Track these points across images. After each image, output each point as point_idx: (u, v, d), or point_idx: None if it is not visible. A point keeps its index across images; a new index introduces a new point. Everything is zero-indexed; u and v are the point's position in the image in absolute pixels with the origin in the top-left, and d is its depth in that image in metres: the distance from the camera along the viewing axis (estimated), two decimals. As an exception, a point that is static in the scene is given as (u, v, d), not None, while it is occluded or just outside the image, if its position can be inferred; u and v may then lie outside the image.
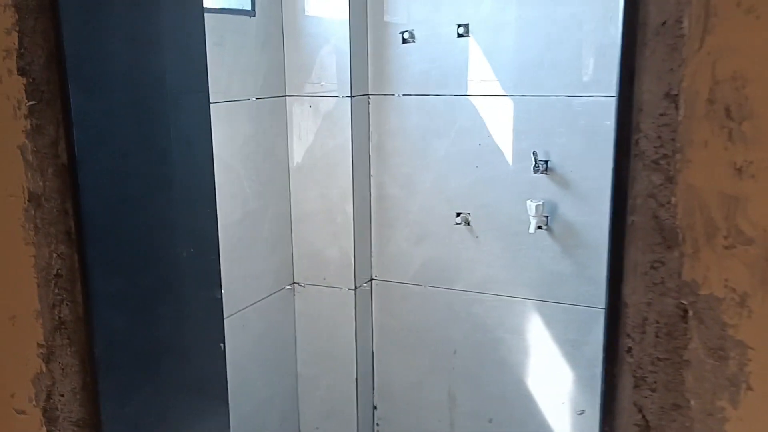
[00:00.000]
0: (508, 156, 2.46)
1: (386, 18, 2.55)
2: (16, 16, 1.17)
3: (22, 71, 1.19)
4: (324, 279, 2.70)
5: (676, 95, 0.78)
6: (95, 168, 1.18)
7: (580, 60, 2.29)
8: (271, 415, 2.71)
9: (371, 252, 2.75)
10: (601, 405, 0.90)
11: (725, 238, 0.78)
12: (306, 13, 2.54)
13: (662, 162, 0.81)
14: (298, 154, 2.64)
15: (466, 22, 2.42)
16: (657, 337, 0.84)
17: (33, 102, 1.19)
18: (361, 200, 2.64)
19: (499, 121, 2.45)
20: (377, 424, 2.91)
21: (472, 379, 2.69)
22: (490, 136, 2.48)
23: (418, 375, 2.79)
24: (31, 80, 1.18)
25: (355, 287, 2.68)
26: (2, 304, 1.31)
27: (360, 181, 2.62)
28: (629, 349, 0.86)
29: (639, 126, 0.82)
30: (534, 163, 2.40)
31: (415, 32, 2.51)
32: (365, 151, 2.65)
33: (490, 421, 2.69)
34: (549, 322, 2.52)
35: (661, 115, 0.80)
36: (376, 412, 2.90)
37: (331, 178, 2.60)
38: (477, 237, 2.57)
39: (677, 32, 0.77)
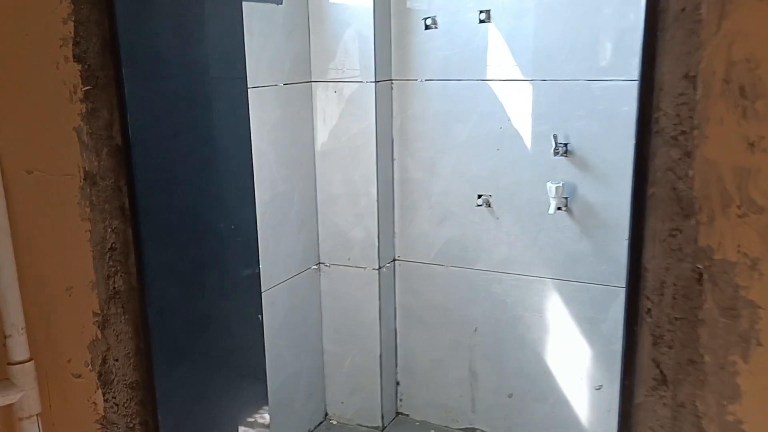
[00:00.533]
0: (528, 139, 2.53)
1: (409, 4, 2.62)
2: (72, 7, 1.25)
3: (77, 58, 1.27)
4: (349, 259, 2.79)
5: (694, 76, 0.86)
6: (147, 148, 1.27)
7: (599, 45, 2.35)
8: (299, 389, 2.81)
9: (394, 233, 2.84)
10: (622, 361, 0.98)
11: (738, 207, 0.86)
12: (331, 1, 2.61)
13: (680, 138, 0.88)
14: (323, 138, 2.72)
15: (487, 8, 2.48)
16: (674, 298, 0.92)
17: (88, 87, 1.28)
18: (384, 183, 2.72)
19: (520, 105, 2.51)
20: (400, 399, 3.01)
21: (493, 356, 2.78)
22: (510, 119, 2.54)
23: (439, 352, 2.88)
24: (86, 66, 1.27)
25: (379, 267, 2.77)
26: (59, 276, 1.40)
27: (383, 165, 2.70)
28: (648, 310, 0.94)
29: (659, 105, 0.89)
30: (554, 145, 2.46)
31: (437, 18, 2.57)
32: (388, 135, 2.73)
33: (510, 396, 2.78)
34: (567, 301, 2.59)
35: (680, 94, 0.87)
36: (399, 388, 3.00)
37: (355, 161, 2.68)
38: (498, 218, 2.65)
39: (696, 18, 0.84)
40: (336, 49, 2.63)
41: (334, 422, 3.00)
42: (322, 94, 2.69)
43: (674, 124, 0.88)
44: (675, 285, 0.91)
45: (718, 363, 0.91)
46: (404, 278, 2.87)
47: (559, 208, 2.50)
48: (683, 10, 0.85)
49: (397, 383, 3.00)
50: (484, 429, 2.87)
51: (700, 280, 0.90)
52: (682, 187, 0.89)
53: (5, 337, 1.40)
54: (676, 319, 0.92)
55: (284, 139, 2.56)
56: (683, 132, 0.88)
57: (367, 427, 2.95)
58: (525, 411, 2.77)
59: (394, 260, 2.86)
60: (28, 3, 1.30)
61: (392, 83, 2.70)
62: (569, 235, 2.54)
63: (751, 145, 0.84)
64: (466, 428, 2.91)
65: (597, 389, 2.61)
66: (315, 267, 2.84)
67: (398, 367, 2.98)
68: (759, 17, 0.81)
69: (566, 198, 2.50)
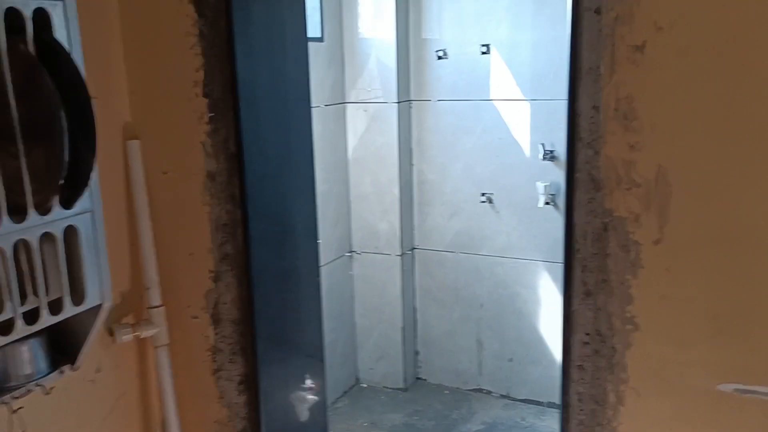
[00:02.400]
0: (522, 147, 3.12)
1: (423, 35, 3.21)
2: (203, 60, 1.85)
3: (205, 95, 1.87)
4: (376, 247, 3.38)
5: (598, 107, 1.44)
6: (252, 154, 1.86)
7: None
8: (335, 357, 3.39)
9: (413, 225, 3.42)
10: (563, 283, 1.56)
11: (626, 184, 1.44)
12: (360, 36, 3.22)
13: (592, 143, 1.47)
14: (355, 148, 3.32)
15: (488, 43, 3.08)
16: (592, 241, 1.50)
17: (212, 114, 1.88)
18: (405, 184, 3.32)
19: (515, 120, 3.10)
20: (419, 366, 3.58)
21: (496, 327, 3.35)
22: (508, 132, 3.13)
23: (451, 325, 3.45)
24: (211, 100, 1.87)
25: (401, 254, 3.35)
26: (184, 245, 1.98)
27: (404, 169, 3.30)
28: (578, 250, 1.52)
29: (580, 123, 1.48)
30: (542, 152, 3.05)
31: (447, 51, 3.17)
32: (408, 145, 3.32)
33: (510, 360, 3.35)
34: (556, 279, 3.16)
35: (591, 117, 1.46)
36: (418, 357, 3.57)
37: (381, 167, 3.28)
38: (498, 212, 3.23)
39: (597, 73, 1.43)
40: (365, 75, 3.23)
41: (365, 385, 3.58)
42: (353, 113, 3.30)
43: (588, 135, 1.47)
44: (592, 233, 1.50)
45: (618, 280, 1.49)
46: (422, 263, 3.45)
47: (547, 203, 3.08)
48: (590, 68, 1.44)
49: (416, 352, 3.57)
50: (489, 389, 3.44)
51: (606, 229, 1.48)
52: (594, 173, 1.47)
53: (146, 289, 1.98)
54: (594, 254, 1.51)
55: (324, 149, 3.15)
56: (594, 139, 1.47)
57: (391, 389, 3.52)
58: (523, 372, 3.34)
59: (413, 248, 3.45)
60: (170, 57, 1.89)
61: (411, 103, 3.30)
62: (556, 224, 3.11)
63: (631, 147, 1.43)
64: (474, 389, 3.47)
65: (581, 352, 3.17)
66: (348, 254, 3.44)
67: (417, 339, 3.56)
68: (632, 74, 1.40)
69: (553, 195, 3.08)
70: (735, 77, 1.31)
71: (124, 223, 1.94)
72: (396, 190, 3.26)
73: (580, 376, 1.57)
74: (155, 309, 1.96)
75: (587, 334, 1.54)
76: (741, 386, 1.39)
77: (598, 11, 1.40)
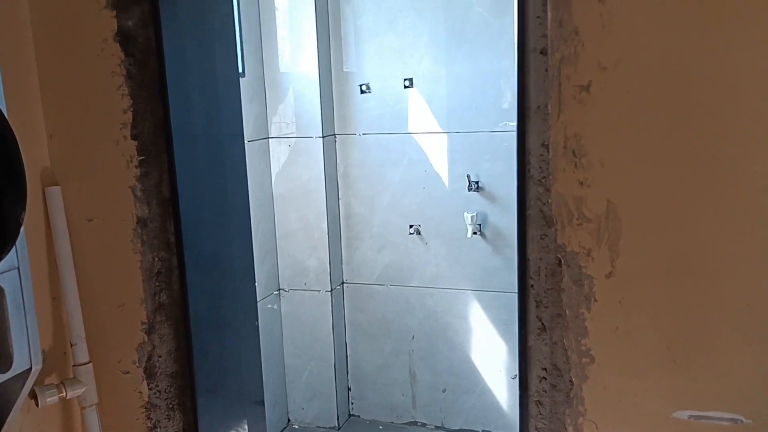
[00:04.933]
0: (448, 179, 3.15)
1: (345, 69, 3.20)
2: (131, 101, 1.76)
3: (134, 137, 1.78)
4: (305, 284, 3.31)
5: (547, 145, 1.47)
6: (187, 198, 1.78)
7: (499, 104, 3.01)
8: (266, 398, 3.27)
9: (342, 260, 3.38)
10: (519, 319, 1.56)
11: (577, 219, 1.47)
12: (281, 71, 3.18)
13: (543, 180, 1.49)
14: (280, 183, 3.25)
15: (410, 77, 3.11)
16: (546, 276, 1.51)
17: (142, 157, 1.78)
18: (332, 218, 3.27)
19: (440, 152, 3.14)
20: (352, 402, 3.52)
21: (428, 358, 3.34)
22: (433, 164, 3.16)
23: (383, 358, 3.42)
24: (141, 143, 1.77)
25: (331, 289, 3.30)
26: (113, 297, 1.87)
27: (331, 203, 3.26)
28: (532, 285, 1.53)
29: (530, 161, 1.50)
30: (468, 183, 3.09)
31: (371, 85, 3.18)
32: (334, 179, 3.29)
33: (444, 391, 3.35)
34: (486, 307, 3.20)
35: (540, 155, 1.48)
36: (350, 392, 3.51)
37: (308, 202, 3.23)
38: (426, 243, 3.24)
39: (545, 112, 1.46)
40: (288, 110, 3.18)
41: (296, 426, 3.48)
42: (277, 148, 3.23)
43: (539, 173, 1.49)
44: (546, 269, 1.51)
45: (573, 314, 1.50)
46: (352, 298, 3.41)
47: (474, 233, 3.12)
48: (538, 107, 1.47)
49: (349, 388, 3.51)
50: (424, 421, 3.42)
51: (560, 264, 1.50)
52: (545, 209, 1.49)
53: (71, 345, 1.85)
54: (548, 289, 1.52)
55: (249, 185, 3.06)
56: (544, 176, 1.49)
57: (324, 428, 3.43)
58: (456, 402, 3.34)
59: (343, 283, 3.40)
60: (95, 98, 1.79)
61: (336, 137, 3.27)
62: (484, 254, 3.16)
63: (581, 183, 1.46)
64: (409, 422, 3.44)
65: (513, 378, 3.21)
66: (276, 292, 3.34)
67: (349, 375, 3.50)
68: (579, 112, 1.43)
69: (480, 225, 3.13)
70: (678, 114, 1.36)
71: (45, 275, 1.82)
72: (324, 225, 3.22)
73: (539, 412, 1.57)
74: (82, 366, 1.84)
75: (544, 369, 1.55)
76: (695, 413, 1.43)
77: (543, 52, 1.43)
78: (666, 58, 1.35)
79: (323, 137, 3.16)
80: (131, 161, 1.79)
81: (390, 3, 3.07)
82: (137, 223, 1.81)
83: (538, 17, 1.43)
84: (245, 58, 3.01)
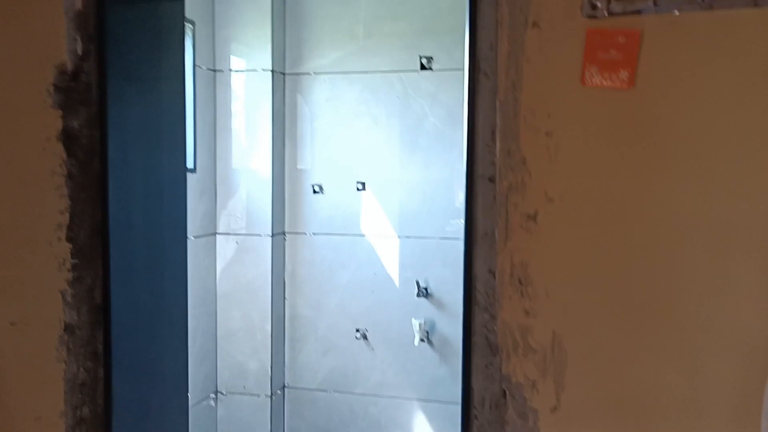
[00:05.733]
0: (397, 283, 3.12)
1: (299, 166, 3.19)
2: (69, 202, 1.70)
3: (69, 239, 1.70)
4: (244, 387, 3.17)
5: (494, 271, 1.45)
6: (121, 305, 1.69)
7: (447, 212, 3.03)
8: None
9: (284, 363, 3.26)
10: (461, 450, 1.49)
11: (522, 349, 1.43)
12: (234, 167, 3.16)
13: (489, 307, 1.46)
14: (225, 281, 3.17)
15: (363, 181, 3.13)
16: (490, 408, 1.46)
17: (76, 260, 1.70)
18: (277, 319, 3.18)
19: (389, 256, 3.12)
20: None
21: (370, 471, 3.19)
22: (383, 267, 3.13)
23: (323, 470, 3.25)
24: (76, 246, 1.70)
25: (271, 394, 3.16)
26: (30, 407, 1.74)
27: (277, 304, 3.17)
28: (476, 416, 1.48)
29: (476, 286, 1.48)
30: (417, 289, 3.06)
31: (323, 186, 3.18)
32: (281, 278, 3.22)
33: (385, 506, 3.18)
34: (431, 418, 3.10)
35: (487, 281, 1.46)
36: (286, 506, 3.31)
37: (252, 301, 3.14)
38: (373, 349, 3.17)
39: (492, 239, 1.45)
40: (238, 207, 3.14)
41: None
42: (225, 244, 3.17)
43: (485, 299, 1.47)
44: (490, 399, 1.46)
45: (516, 447, 1.45)
46: (293, 404, 3.27)
47: (422, 340, 3.06)
48: (485, 233, 1.46)
49: (285, 501, 3.31)
50: None
51: (504, 395, 1.45)
52: (491, 337, 1.46)
53: (-23, 461, 1.69)
54: (492, 421, 1.47)
55: (192, 282, 2.95)
56: (490, 303, 1.46)
57: None
58: None
59: (284, 387, 3.27)
60: (30, 197, 1.71)
61: (285, 236, 3.23)
62: (431, 362, 3.09)
63: (527, 312, 1.43)
64: None
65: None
66: (213, 395, 3.19)
67: (286, 486, 3.31)
68: (526, 241, 1.43)
69: (427, 332, 3.08)
70: (621, 248, 1.37)
71: (-44, 384, 1.67)
72: (267, 326, 3.12)
73: None
74: (-13, 486, 1.67)
75: (487, 507, 1.47)
76: None
77: (492, 179, 1.44)
78: (610, 193, 1.37)
79: (272, 236, 3.12)
80: (63, 264, 1.70)
81: (347, 107, 3.12)
82: (64, 330, 1.71)
83: (487, 145, 1.44)
84: (197, 154, 2.99)
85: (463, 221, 1.51)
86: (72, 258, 1.70)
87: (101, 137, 1.66)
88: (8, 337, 1.75)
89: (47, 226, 1.71)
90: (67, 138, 1.67)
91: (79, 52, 1.63)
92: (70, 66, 1.64)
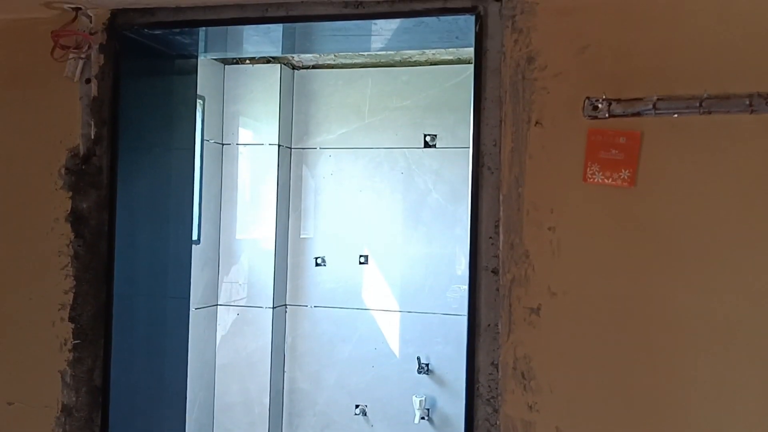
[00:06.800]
0: (398, 359, 3.09)
1: (302, 235, 3.21)
2: (74, 283, 1.71)
3: (72, 320, 1.70)
4: (240, 464, 3.10)
5: (497, 364, 1.45)
6: (120, 388, 1.68)
7: (450, 288, 3.03)
8: None
9: (282, 439, 3.20)
10: None
11: (526, 445, 1.42)
12: (237, 239, 3.17)
13: (491, 400, 1.45)
14: (224, 353, 3.14)
15: (366, 254, 3.14)
16: (492, 504, 1.43)
17: (78, 341, 1.70)
18: (275, 393, 3.14)
19: (391, 330, 3.10)
20: None
21: None
22: (384, 342, 3.11)
23: None
24: (78, 326, 1.70)
25: (267, 471, 3.09)
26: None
27: (276, 377, 3.14)
28: None
29: (479, 379, 1.47)
30: (418, 365, 3.03)
31: (326, 258, 3.19)
32: (281, 351, 3.19)
33: None
34: (431, 500, 3.02)
35: (489, 374, 1.45)
36: None
37: (251, 374, 3.10)
38: (372, 426, 3.11)
39: (495, 331, 1.45)
40: (240, 278, 3.14)
41: None
42: (225, 315, 3.15)
43: (487, 392, 1.46)
44: (492, 495, 1.44)
45: None
46: (289, 481, 3.19)
47: (422, 418, 3.01)
48: (488, 325, 1.46)
49: None
50: None
51: (506, 492, 1.43)
52: (494, 431, 1.44)
53: None
54: None
55: (191, 354, 2.93)
56: (493, 397, 1.45)
57: None
58: None
59: (281, 464, 3.20)
60: (35, 277, 1.73)
61: (287, 308, 3.22)
62: (431, 441, 3.04)
63: (530, 407, 1.42)
64: None
65: None
66: (208, 471, 3.12)
67: None
68: (529, 334, 1.43)
69: (428, 409, 3.03)
70: (625, 347, 1.37)
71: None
72: (266, 400, 3.08)
73: None
74: None
75: None
76: None
77: (495, 272, 1.45)
78: (613, 289, 1.37)
79: (273, 308, 3.11)
80: (65, 344, 1.70)
81: (351, 182, 3.16)
82: (61, 411, 1.70)
83: (490, 237, 1.46)
84: (202, 225, 3.01)
85: (464, 287, 1.52)
86: (74, 338, 1.70)
87: (109, 218, 1.68)
88: (5, 417, 1.73)
89: (51, 305, 1.71)
90: (76, 219, 1.70)
91: (92, 136, 1.67)
92: (82, 150, 1.68)
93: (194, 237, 2.95)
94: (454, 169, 3.02)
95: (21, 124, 1.71)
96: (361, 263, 3.15)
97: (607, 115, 1.36)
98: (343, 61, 3.10)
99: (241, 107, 3.14)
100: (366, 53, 2.98)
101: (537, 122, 1.41)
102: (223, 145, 3.16)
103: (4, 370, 1.74)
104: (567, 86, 1.39)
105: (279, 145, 3.11)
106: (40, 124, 1.70)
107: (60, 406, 1.70)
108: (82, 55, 1.62)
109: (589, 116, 1.37)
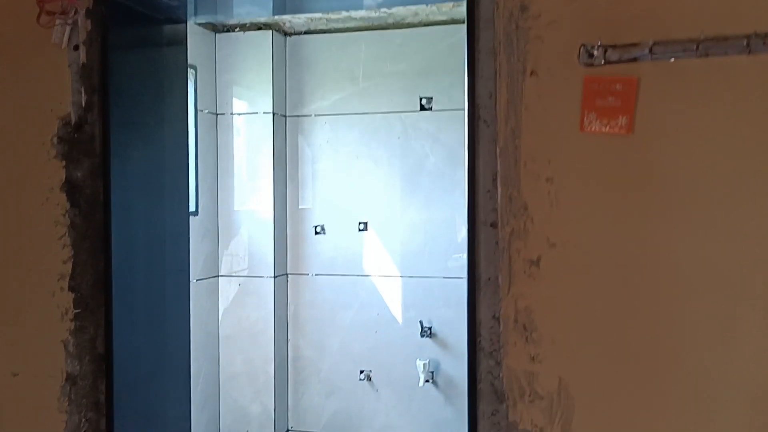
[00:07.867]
0: (401, 324, 3.10)
1: (301, 206, 3.20)
2: (72, 252, 1.70)
3: (72, 289, 1.70)
4: (247, 431, 3.13)
5: (498, 317, 1.44)
6: (124, 355, 1.68)
7: (451, 251, 3.03)
8: None
9: (288, 406, 3.23)
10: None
11: (529, 396, 1.42)
12: (236, 209, 3.16)
13: (494, 353, 1.45)
14: (227, 324, 3.15)
15: (365, 221, 3.13)
16: (497, 456, 1.44)
17: (78, 310, 1.70)
18: (280, 362, 3.15)
19: (392, 296, 3.11)
20: None
21: None
22: (386, 308, 3.12)
23: None
24: (79, 295, 1.70)
25: (274, 438, 3.12)
26: (31, 460, 1.72)
27: (279, 346, 3.15)
28: (483, 464, 1.46)
29: (480, 332, 1.47)
30: (420, 329, 3.05)
31: (325, 227, 3.18)
32: (284, 320, 3.20)
33: None
34: (437, 461, 3.06)
35: (491, 327, 1.45)
36: None
37: (255, 344, 3.11)
38: (377, 390, 3.13)
39: (495, 284, 1.45)
40: (240, 249, 3.14)
41: None
42: (227, 287, 3.16)
43: (489, 345, 1.46)
44: (497, 447, 1.45)
45: (526, 497, 1.43)
46: (296, 447, 3.23)
47: (427, 381, 3.04)
48: (489, 279, 1.46)
49: None
50: None
51: (511, 443, 1.44)
52: (497, 384, 1.45)
53: None
54: (499, 469, 1.45)
55: (194, 326, 2.93)
56: (495, 349, 1.45)
57: None
58: None
59: (288, 431, 3.23)
60: (34, 246, 1.72)
61: (288, 277, 3.22)
62: (436, 403, 3.06)
63: (532, 358, 1.42)
64: None
65: None
66: (215, 440, 3.15)
67: None
68: (530, 287, 1.42)
69: (432, 372, 3.05)
70: (624, 294, 1.36)
71: (-44, 438, 1.66)
72: (270, 369, 3.09)
73: None
74: None
75: None
76: None
77: (494, 225, 1.44)
78: (612, 239, 1.37)
79: (275, 277, 3.11)
80: (66, 314, 1.70)
81: (348, 148, 3.14)
82: (66, 380, 1.70)
83: (488, 191, 1.45)
84: (199, 196, 3.00)
85: (465, 256, 1.51)
86: (74, 308, 1.70)
87: (104, 187, 1.67)
88: (10, 388, 1.74)
89: (50, 276, 1.71)
90: (71, 188, 1.68)
91: (83, 104, 1.65)
92: (74, 118, 1.66)
93: (192, 208, 2.94)
94: (452, 132, 3.00)
95: (10, 94, 1.69)
96: (360, 230, 3.15)
97: (602, 62, 1.34)
98: (336, 25, 3.06)
99: (233, 76, 3.11)
100: (358, 16, 2.94)
101: (532, 72, 1.39)
102: (217, 115, 3.14)
103: (7, 342, 1.74)
104: (561, 34, 1.37)
105: (273, 114, 3.09)
106: (30, 93, 1.68)
107: (65, 376, 1.70)
108: (69, 21, 1.59)
109: (585, 64, 1.36)
